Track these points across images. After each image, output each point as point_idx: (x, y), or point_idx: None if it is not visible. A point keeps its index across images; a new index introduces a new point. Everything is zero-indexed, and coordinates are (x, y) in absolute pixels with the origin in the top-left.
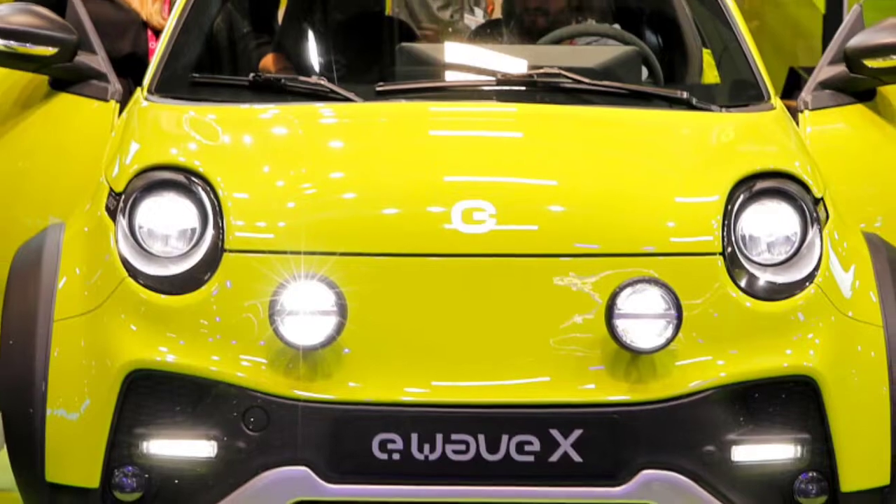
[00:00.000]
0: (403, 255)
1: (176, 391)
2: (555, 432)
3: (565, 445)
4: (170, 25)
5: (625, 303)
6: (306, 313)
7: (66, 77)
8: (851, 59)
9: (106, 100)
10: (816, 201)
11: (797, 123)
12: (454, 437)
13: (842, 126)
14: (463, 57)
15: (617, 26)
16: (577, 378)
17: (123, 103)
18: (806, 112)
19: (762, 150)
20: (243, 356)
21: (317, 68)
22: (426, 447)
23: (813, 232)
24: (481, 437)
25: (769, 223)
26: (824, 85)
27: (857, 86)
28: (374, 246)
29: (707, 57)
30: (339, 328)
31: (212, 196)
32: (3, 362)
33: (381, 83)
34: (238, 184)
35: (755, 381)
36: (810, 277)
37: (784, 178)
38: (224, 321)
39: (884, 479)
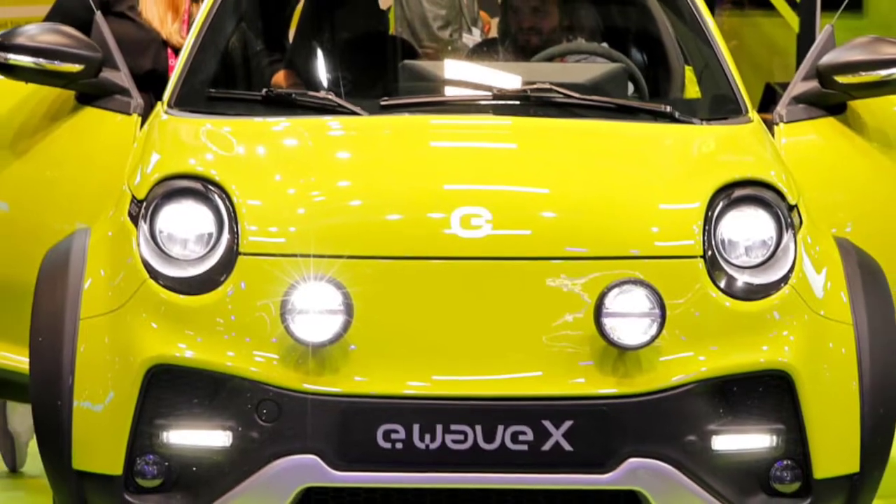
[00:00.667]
0: (406, 258)
1: (194, 385)
2: (547, 423)
3: (557, 435)
4: (188, 44)
5: (612, 302)
6: (315, 312)
7: (91, 92)
8: (823, 75)
9: (128, 113)
10: (791, 208)
11: (773, 135)
12: (453, 427)
13: (814, 138)
14: (461, 73)
15: (605, 45)
16: (567, 373)
17: (145, 116)
18: (781, 124)
19: (740, 160)
20: (256, 352)
21: (325, 84)
22: (427, 437)
23: (788, 236)
24: (478, 428)
25: (747, 228)
26: (798, 99)
27: (828, 100)
28: (379, 249)
29: (689, 73)
30: (346, 326)
31: (227, 203)
32: (32, 357)
33: (385, 98)
34: (252, 191)
35: (734, 375)
36: (785, 279)
37: (760, 187)
38: (238, 320)
39: (853, 467)
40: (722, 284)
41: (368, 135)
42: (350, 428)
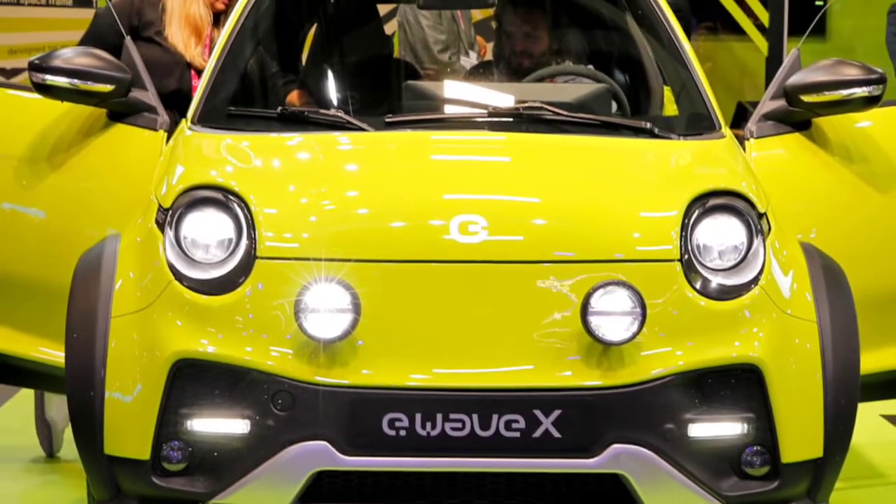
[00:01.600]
0: (409, 262)
1: (215, 377)
2: (538, 412)
3: (546, 423)
4: (210, 66)
5: (597, 302)
6: (326, 311)
7: (121, 110)
8: (790, 94)
9: (155, 129)
10: (760, 216)
11: (744, 149)
12: (452, 416)
13: (782, 152)
14: (460, 93)
15: (590, 67)
16: (556, 366)
17: (170, 132)
18: (751, 140)
19: (714, 172)
20: (272, 348)
21: (335, 102)
22: (428, 425)
23: (757, 242)
24: (475, 416)
25: (720, 234)
26: (767, 117)
27: (795, 117)
28: (384, 253)
29: (667, 93)
30: (354, 324)
31: (245, 211)
32: (68, 352)
33: (389, 115)
34: (268, 200)
35: (708, 368)
36: (755, 281)
37: (733, 196)
38: (256, 318)
39: (818, 452)
40: (697, 286)
41: (374, 149)
42: (358, 416)
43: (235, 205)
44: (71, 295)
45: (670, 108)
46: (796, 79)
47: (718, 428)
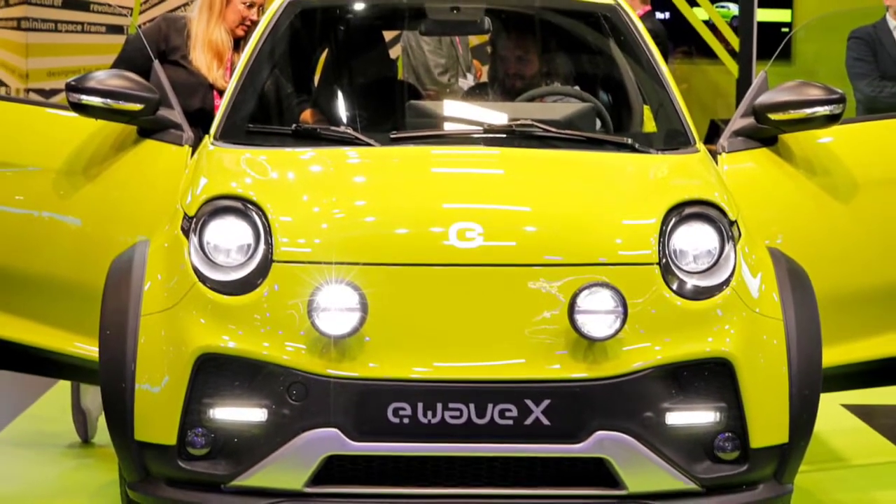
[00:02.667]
0: (412, 265)
1: (235, 370)
2: (529, 402)
3: (537, 412)
4: (231, 87)
5: (583, 301)
6: (336, 310)
7: (149, 127)
8: (759, 113)
9: (181, 145)
10: (731, 223)
11: (717, 163)
12: (451, 405)
13: (751, 165)
14: (458, 112)
15: (577, 88)
16: (546, 360)
17: (194, 147)
18: (723, 154)
19: (689, 184)
20: (287, 343)
21: (344, 120)
22: (429, 413)
23: (729, 247)
24: (472, 406)
25: (695, 240)
26: (737, 133)
27: (763, 134)
28: (390, 257)
29: (646, 111)
30: (362, 322)
31: (263, 219)
32: (101, 347)
33: (394, 132)
34: (283, 209)
35: (684, 362)
36: (727, 282)
37: (706, 205)
38: (272, 316)
39: (784, 438)
40: (674, 287)
41: (380, 162)
42: (365, 406)
43: (254, 213)
44: (104, 295)
45: (649, 125)
46: (764, 99)
47: (693, 416)
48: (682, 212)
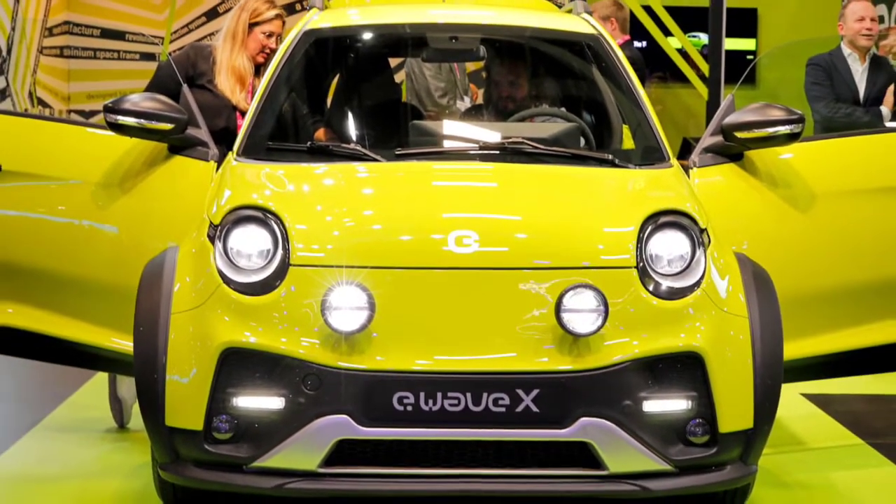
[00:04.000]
0: (415, 268)
1: (256, 363)
2: (520, 391)
3: (527, 400)
4: (252, 108)
5: (568, 301)
6: (347, 308)
7: (179, 144)
8: (726, 132)
9: (207, 160)
10: (702, 231)
11: (688, 177)
12: (450, 394)
13: (719, 179)
14: (456, 131)
15: (563, 109)
16: (535, 354)
17: (219, 163)
18: (695, 168)
19: (664, 195)
20: (303, 338)
21: (354, 138)
22: (430, 401)
23: (700, 252)
24: (468, 395)
25: (669, 246)
26: (707, 150)
27: (730, 150)
28: (395, 261)
29: (626, 130)
30: (370, 319)
31: (281, 227)
32: (135, 342)
33: (399, 149)
34: (299, 218)
35: (659, 355)
36: (698, 284)
37: (679, 215)
38: (289, 314)
39: (749, 424)
40: (650, 288)
41: (386, 176)
42: (372, 395)
43: (273, 221)
44: (138, 295)
45: (628, 143)
46: (731, 119)
47: (667, 404)
48: (657, 220)
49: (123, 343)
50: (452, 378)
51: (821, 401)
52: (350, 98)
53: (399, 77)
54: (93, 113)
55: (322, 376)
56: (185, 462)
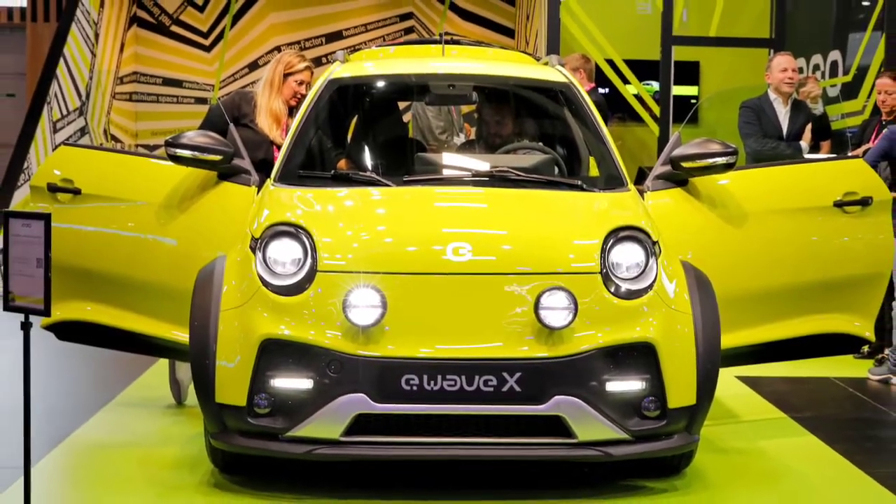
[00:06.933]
0: (419, 274)
1: (289, 351)
2: (505, 374)
3: (511, 382)
4: (286, 143)
5: (545, 300)
6: (364, 307)
7: (226, 172)
8: (674, 162)
9: (249, 186)
10: (654, 243)
11: (643, 199)
12: (448, 377)
13: (669, 200)
14: (453, 161)
15: (540, 143)
16: (518, 343)
17: (259, 188)
18: (648, 192)
19: (623, 214)
20: (328, 331)
21: (370, 167)
22: (432, 383)
23: (652, 260)
24: (463, 377)
25: (627, 255)
26: (658, 177)
27: (677, 177)
28: (403, 268)
29: (591, 161)
30: (383, 316)
31: (310, 240)
32: (191, 334)
33: (406, 176)
34: (325, 232)
35: (619, 345)
36: (650, 286)
37: (636, 230)
38: (317, 311)
39: (692, 400)
40: (612, 290)
41: (396, 198)
42: (385, 377)
43: (303, 235)
44: (193, 296)
45: (593, 171)
46: (678, 152)
47: (626, 385)
48: (617, 234)
49: (181, 334)
50: (450, 363)
51: (752, 382)
52: (366, 135)
53: (406, 117)
54: (156, 147)
55: (343, 362)
56: (232, 432)
